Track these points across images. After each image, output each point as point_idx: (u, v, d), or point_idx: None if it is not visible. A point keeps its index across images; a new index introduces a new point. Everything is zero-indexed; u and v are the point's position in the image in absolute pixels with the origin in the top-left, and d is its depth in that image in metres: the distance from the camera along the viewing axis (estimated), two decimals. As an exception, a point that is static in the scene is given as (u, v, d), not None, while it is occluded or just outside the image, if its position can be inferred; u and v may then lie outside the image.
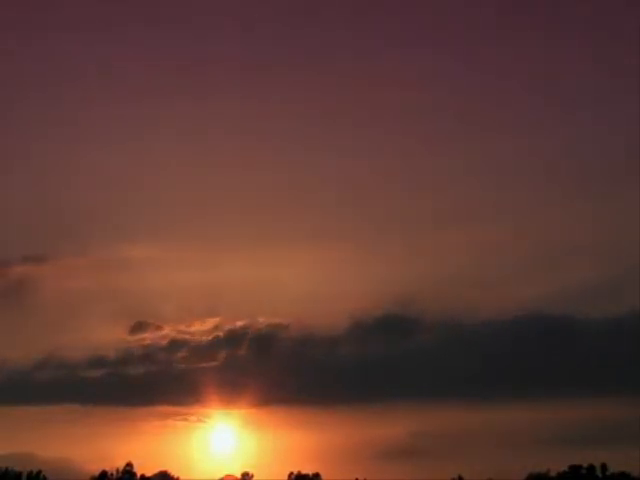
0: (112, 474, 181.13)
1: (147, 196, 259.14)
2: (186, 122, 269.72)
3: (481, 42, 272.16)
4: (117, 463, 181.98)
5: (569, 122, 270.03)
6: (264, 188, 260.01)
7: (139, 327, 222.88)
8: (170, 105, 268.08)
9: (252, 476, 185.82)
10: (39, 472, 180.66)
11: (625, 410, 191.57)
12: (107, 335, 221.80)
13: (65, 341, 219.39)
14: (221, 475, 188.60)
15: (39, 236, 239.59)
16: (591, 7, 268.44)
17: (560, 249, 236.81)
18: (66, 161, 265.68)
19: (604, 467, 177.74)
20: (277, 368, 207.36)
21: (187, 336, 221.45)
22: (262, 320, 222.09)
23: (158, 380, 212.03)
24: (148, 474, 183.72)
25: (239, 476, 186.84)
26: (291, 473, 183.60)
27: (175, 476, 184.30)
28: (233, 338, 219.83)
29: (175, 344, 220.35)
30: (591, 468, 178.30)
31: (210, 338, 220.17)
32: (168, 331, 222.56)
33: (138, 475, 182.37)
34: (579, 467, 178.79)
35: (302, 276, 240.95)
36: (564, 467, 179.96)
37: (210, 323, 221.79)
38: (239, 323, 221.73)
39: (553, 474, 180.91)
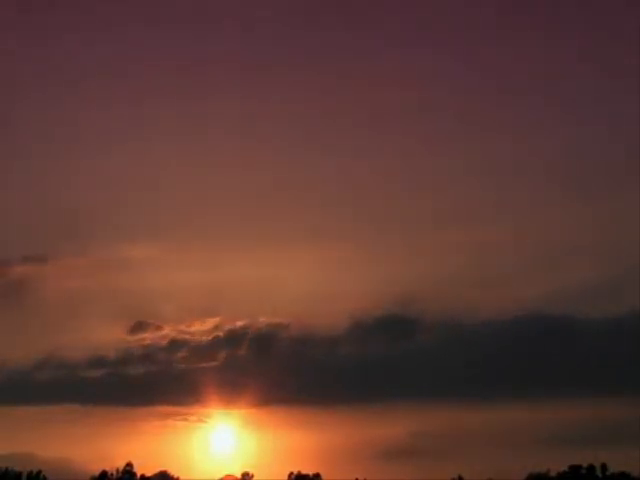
0: (112, 474, 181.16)
1: (147, 196, 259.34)
2: (186, 122, 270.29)
3: (481, 42, 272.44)
4: (117, 463, 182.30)
5: (569, 122, 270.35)
6: (264, 188, 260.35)
7: (139, 327, 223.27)
8: (170, 105, 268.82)
9: (252, 476, 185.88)
10: (39, 472, 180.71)
11: (625, 410, 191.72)
12: (107, 335, 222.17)
13: (65, 341, 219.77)
14: (221, 475, 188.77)
15: (39, 236, 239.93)
16: (591, 7, 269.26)
17: (560, 249, 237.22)
18: (66, 161, 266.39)
19: (604, 467, 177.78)
20: (277, 368, 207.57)
21: (187, 336, 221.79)
22: (262, 320, 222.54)
23: (158, 380, 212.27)
24: (148, 474, 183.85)
25: (239, 476, 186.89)
26: (291, 473, 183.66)
27: (175, 476, 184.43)
28: (233, 338, 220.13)
29: (175, 344, 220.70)
30: (591, 468, 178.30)
31: (210, 338, 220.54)
32: (168, 331, 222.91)
33: (138, 475, 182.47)
34: (579, 467, 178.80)
35: (302, 276, 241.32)
36: (564, 467, 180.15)
37: (210, 323, 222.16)
38: (239, 323, 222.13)
39: (553, 474, 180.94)
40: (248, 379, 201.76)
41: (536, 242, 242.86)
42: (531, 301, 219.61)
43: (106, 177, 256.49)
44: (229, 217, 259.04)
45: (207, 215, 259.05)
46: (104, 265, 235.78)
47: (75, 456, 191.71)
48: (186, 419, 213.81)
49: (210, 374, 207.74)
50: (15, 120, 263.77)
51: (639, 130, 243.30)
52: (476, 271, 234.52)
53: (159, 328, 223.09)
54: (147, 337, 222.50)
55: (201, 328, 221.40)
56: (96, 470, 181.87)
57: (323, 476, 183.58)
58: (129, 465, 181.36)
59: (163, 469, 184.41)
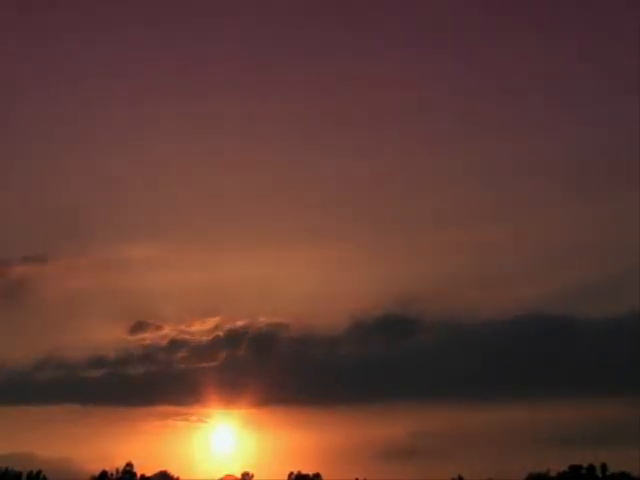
0: (112, 474, 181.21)
1: (147, 196, 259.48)
2: (186, 122, 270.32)
3: (481, 42, 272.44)
4: (117, 463, 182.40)
5: (569, 122, 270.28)
6: (264, 188, 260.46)
7: (139, 327, 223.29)
8: (170, 105, 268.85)
9: (252, 476, 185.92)
10: (39, 472, 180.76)
11: (625, 410, 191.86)
12: (107, 335, 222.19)
13: (65, 341, 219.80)
14: (221, 475, 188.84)
15: (39, 236, 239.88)
16: (591, 7, 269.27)
17: (560, 249, 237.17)
18: (66, 161, 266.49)
19: (604, 467, 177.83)
20: (277, 368, 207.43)
21: (187, 336, 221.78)
22: (262, 320, 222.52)
23: (158, 380, 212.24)
24: (148, 474, 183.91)
25: (239, 476, 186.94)
26: (291, 473, 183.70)
27: (175, 476, 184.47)
28: (233, 338, 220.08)
29: (175, 344, 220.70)
30: (591, 468, 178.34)
31: (210, 338, 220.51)
32: (168, 331, 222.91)
33: (138, 475, 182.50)
34: (579, 467, 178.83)
35: (302, 276, 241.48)
36: (564, 467, 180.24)
37: (210, 323, 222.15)
38: (239, 323, 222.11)
39: (553, 474, 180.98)
40: (248, 379, 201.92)
41: (536, 242, 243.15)
42: (531, 301, 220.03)
43: (106, 177, 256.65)
44: (229, 217, 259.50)
45: (207, 215, 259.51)
46: (104, 265, 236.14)
47: (75, 456, 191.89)
48: (186, 419, 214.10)
49: (210, 374, 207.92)
50: (15, 120, 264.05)
51: (639, 130, 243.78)
52: (476, 271, 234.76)
53: (159, 328, 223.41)
54: (147, 337, 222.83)
55: (201, 328, 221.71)
56: (96, 470, 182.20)
57: (323, 476, 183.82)
58: (129, 465, 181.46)
59: (163, 469, 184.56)
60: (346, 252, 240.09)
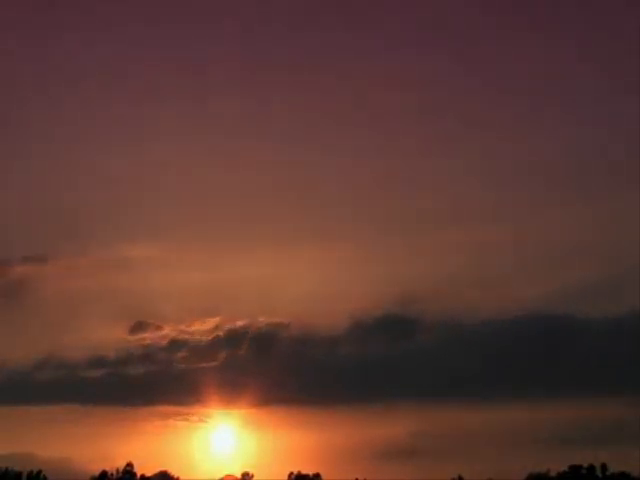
0: (112, 474, 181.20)
1: (147, 196, 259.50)
2: (186, 122, 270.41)
3: (481, 42, 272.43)
4: (117, 463, 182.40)
5: (569, 122, 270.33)
6: (264, 188, 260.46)
7: (139, 327, 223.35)
8: (170, 105, 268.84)
9: (252, 476, 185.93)
10: (39, 472, 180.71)
11: (625, 410, 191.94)
12: (107, 335, 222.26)
13: (65, 341, 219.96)
14: (221, 475, 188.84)
15: (39, 236, 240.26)
16: (591, 7, 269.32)
17: (560, 249, 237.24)
18: (66, 161, 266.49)
19: (604, 467, 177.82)
20: (277, 368, 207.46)
21: (187, 336, 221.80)
22: (262, 320, 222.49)
23: (158, 380, 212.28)
24: (148, 474, 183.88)
25: (239, 476, 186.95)
26: (291, 473, 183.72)
27: (175, 476, 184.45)
28: (233, 338, 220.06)
29: (175, 344, 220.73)
30: (591, 468, 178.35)
31: (210, 338, 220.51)
32: (168, 331, 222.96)
33: (138, 475, 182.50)
34: (579, 467, 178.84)
35: (302, 276, 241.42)
36: (564, 467, 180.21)
37: (210, 323, 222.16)
38: (239, 323, 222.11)
39: (553, 474, 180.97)
40: (248, 379, 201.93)
41: (536, 242, 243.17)
42: (531, 301, 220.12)
43: (106, 177, 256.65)
44: (229, 217, 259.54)
45: (207, 215, 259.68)
46: (104, 265, 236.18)
47: (75, 456, 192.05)
48: (186, 419, 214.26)
49: (210, 374, 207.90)
50: (15, 120, 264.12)
51: (639, 130, 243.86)
52: (476, 271, 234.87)
53: (159, 328, 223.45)
54: (147, 337, 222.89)
55: (201, 328, 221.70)
56: (96, 470, 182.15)
57: (323, 476, 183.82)
58: (129, 465, 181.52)
59: (163, 469, 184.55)
60: (346, 252, 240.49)
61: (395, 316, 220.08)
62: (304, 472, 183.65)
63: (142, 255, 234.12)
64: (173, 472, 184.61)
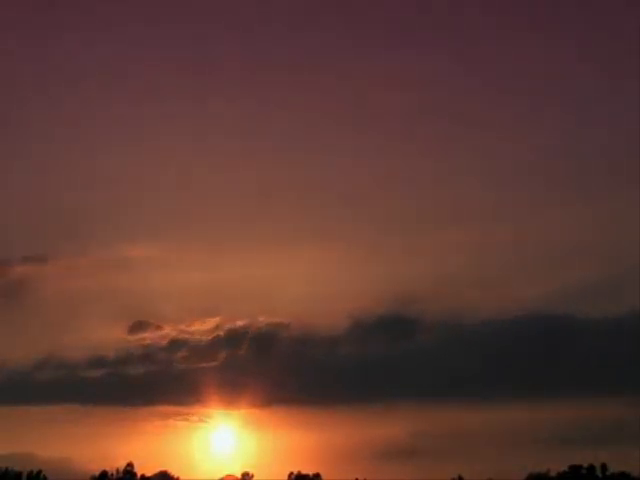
0: (112, 474, 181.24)
1: (147, 196, 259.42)
2: (186, 122, 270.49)
3: (481, 42, 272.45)
4: (118, 463, 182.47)
5: (569, 122, 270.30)
6: (264, 188, 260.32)
7: (139, 327, 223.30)
8: (170, 105, 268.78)
9: (252, 476, 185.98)
10: (39, 472, 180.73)
11: (625, 410, 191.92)
12: (107, 335, 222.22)
13: (65, 341, 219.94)
14: (221, 475, 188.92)
15: (39, 236, 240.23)
16: (591, 7, 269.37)
17: (560, 249, 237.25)
18: (66, 161, 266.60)
19: (604, 467, 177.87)
20: (277, 368, 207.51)
21: (187, 336, 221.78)
22: (262, 320, 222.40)
23: (158, 380, 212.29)
24: (148, 474, 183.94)
25: (239, 476, 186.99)
26: (291, 473, 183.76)
27: (175, 476, 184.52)
28: (233, 338, 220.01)
29: (175, 344, 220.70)
30: (591, 468, 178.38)
31: (210, 338, 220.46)
32: (168, 331, 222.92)
33: (138, 475, 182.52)
34: (579, 467, 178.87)
35: (302, 276, 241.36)
36: (564, 467, 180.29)
37: (210, 323, 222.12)
38: (239, 323, 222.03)
39: (553, 474, 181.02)
40: (248, 379, 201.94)
41: (536, 242, 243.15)
42: (531, 301, 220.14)
43: (106, 177, 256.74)
44: (229, 217, 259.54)
45: (207, 215, 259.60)
46: (104, 265, 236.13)
47: (75, 456, 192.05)
48: (187, 419, 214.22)
49: (210, 374, 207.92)
50: (15, 120, 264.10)
51: (639, 130, 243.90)
52: (476, 271, 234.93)
53: (159, 328, 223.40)
54: (147, 337, 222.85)
55: (201, 328, 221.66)
56: (96, 470, 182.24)
57: (323, 476, 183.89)
58: (130, 465, 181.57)
59: (163, 469, 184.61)
60: (346, 252, 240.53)
61: (395, 316, 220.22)
62: (304, 472, 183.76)
63: (142, 255, 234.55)
64: (173, 472, 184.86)
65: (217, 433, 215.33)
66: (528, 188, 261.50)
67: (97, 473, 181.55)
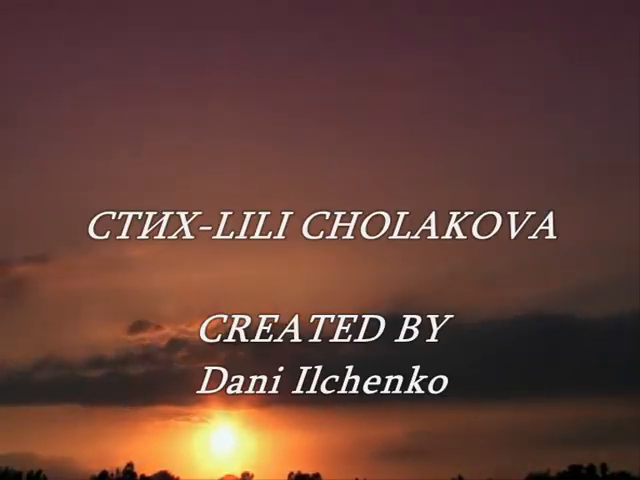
0: (112, 474, 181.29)
1: (147, 196, 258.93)
2: (186, 123, 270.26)
3: (481, 42, 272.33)
4: (118, 463, 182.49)
5: (569, 122, 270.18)
6: (264, 188, 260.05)
7: (139, 327, 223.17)
8: (170, 105, 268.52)
9: (252, 476, 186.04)
10: (39, 472, 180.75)
11: (625, 410, 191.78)
12: (107, 335, 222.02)
13: (65, 341, 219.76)
14: (221, 475, 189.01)
15: (39, 236, 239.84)
16: (591, 7, 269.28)
17: (560, 249, 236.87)
18: (66, 161, 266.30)
19: (604, 467, 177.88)
20: (277, 368, 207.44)
21: (187, 336, 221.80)
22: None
23: (158, 380, 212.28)
24: (148, 474, 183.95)
25: (239, 476, 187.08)
26: (291, 473, 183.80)
27: (175, 476, 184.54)
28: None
29: (175, 344, 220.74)
30: (591, 468, 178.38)
31: (210, 338, 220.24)
32: (168, 331, 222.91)
33: (138, 475, 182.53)
34: (579, 467, 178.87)
35: (302, 276, 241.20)
36: (564, 467, 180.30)
37: (210, 323, 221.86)
38: (239, 323, 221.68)
39: (553, 474, 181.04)
40: (248, 379, 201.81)
41: (536, 242, 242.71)
42: (531, 301, 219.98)
43: (106, 177, 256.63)
44: (229, 217, 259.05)
45: (207, 215, 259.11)
46: (104, 265, 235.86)
47: (75, 456, 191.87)
48: (187, 419, 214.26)
49: (210, 374, 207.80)
50: (15, 120, 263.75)
51: (639, 130, 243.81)
52: (476, 271, 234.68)
53: (159, 328, 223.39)
54: (147, 337, 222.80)
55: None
56: (96, 470, 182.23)
57: (323, 476, 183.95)
58: (130, 465, 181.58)
59: (163, 469, 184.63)
60: (346, 252, 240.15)
61: (395, 316, 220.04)
62: (304, 472, 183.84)
63: (142, 255, 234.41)
64: (173, 472, 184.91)
65: (217, 433, 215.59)
66: (528, 188, 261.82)
67: (97, 473, 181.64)
